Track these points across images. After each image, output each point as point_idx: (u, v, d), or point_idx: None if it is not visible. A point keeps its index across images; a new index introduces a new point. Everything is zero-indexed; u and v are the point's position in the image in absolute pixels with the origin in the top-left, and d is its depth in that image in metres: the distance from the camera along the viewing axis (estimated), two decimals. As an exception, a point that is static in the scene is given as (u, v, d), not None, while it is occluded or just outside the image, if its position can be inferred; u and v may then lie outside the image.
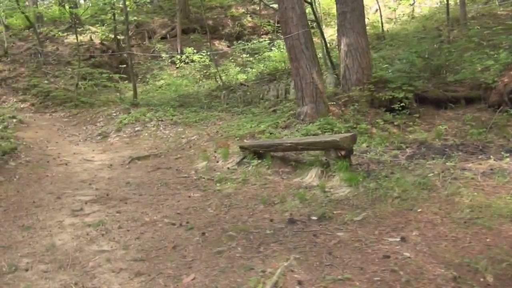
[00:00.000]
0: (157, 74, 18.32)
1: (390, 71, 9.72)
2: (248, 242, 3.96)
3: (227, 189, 5.74)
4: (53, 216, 5.02)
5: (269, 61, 17.10)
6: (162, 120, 11.37)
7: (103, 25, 19.40)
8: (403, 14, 18.52)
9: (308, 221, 4.30)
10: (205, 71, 17.64)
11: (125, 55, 18.42)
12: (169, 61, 18.51)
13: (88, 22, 19.89)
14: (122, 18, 18.06)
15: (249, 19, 22.14)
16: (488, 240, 3.39)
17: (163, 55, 18.13)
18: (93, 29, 19.24)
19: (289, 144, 6.01)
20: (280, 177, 6.01)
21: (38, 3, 22.02)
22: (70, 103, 14.26)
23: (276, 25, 21.27)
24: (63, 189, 6.18)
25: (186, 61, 18.04)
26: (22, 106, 14.65)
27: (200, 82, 16.68)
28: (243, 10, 22.44)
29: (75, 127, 12.09)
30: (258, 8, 22.79)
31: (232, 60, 18.33)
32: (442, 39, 11.76)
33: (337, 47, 16.12)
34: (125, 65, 17.65)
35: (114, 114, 12.39)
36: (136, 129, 10.92)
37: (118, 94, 15.75)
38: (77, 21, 16.27)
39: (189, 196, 5.65)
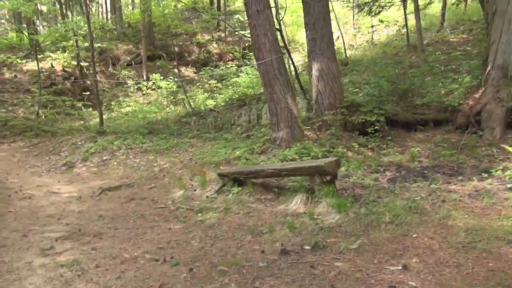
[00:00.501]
0: (122, 101, 17.83)
1: (360, 95, 9.85)
2: (241, 276, 3.69)
3: (209, 220, 5.45)
4: (21, 257, 4.54)
5: (236, 87, 17.10)
6: (131, 148, 10.94)
7: (65, 52, 18.81)
8: (363, 41, 19.18)
9: (301, 251, 4.09)
10: (172, 98, 17.36)
11: (88, 81, 17.88)
12: (135, 87, 18.11)
13: (48, 49, 19.22)
14: (85, 44, 17.63)
15: (215, 45, 22.19)
16: (490, 264, 3.31)
17: (129, 82, 17.71)
18: (53, 55, 18.59)
19: (271, 170, 5.84)
20: (264, 204, 5.79)
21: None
22: (30, 132, 13.51)
23: (242, 51, 21.52)
24: (29, 226, 5.67)
25: (153, 87, 17.72)
26: (-23, 136, 13.76)
27: (168, 108, 16.35)
28: (208, 37, 22.50)
29: (37, 157, 11.40)
30: (223, 35, 22.93)
31: (200, 86, 18.19)
32: (403, 65, 12.15)
33: (304, 72, 16.44)
34: (88, 92, 17.12)
35: (79, 143, 11.81)
36: (104, 158, 10.42)
37: (82, 122, 15.15)
38: (37, 48, 15.63)
39: (170, 229, 5.31)
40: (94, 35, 14.42)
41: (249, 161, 8.30)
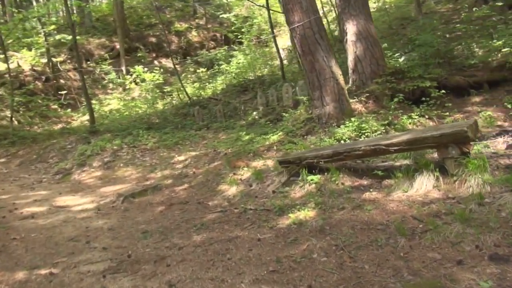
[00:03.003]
0: (104, 99, 15.73)
1: (401, 60, 8.48)
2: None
3: (309, 221, 3.86)
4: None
5: (228, 73, 15.42)
6: (135, 147, 9.12)
7: (31, 50, 16.40)
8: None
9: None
10: (158, 91, 15.40)
11: (62, 80, 15.66)
12: (117, 83, 16.02)
13: (11, 48, 16.72)
14: (52, 39, 15.35)
15: (195, 33, 20.31)
16: None
17: (111, 76, 15.61)
18: (18, 55, 16.15)
19: (372, 147, 4.31)
20: (368, 193, 4.26)
21: None
22: (6, 141, 11.30)
23: (225, 36, 19.75)
24: (51, 257, 3.88)
25: (136, 81, 15.72)
26: None
27: (155, 102, 14.39)
28: (187, 25, 20.55)
29: (20, 167, 9.34)
30: (202, 23, 21.07)
31: (189, 76, 16.36)
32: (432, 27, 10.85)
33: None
34: (64, 92, 14.92)
35: (69, 146, 9.83)
36: (106, 160, 8.54)
37: (60, 125, 13.01)
38: (2, 45, 13.29)
39: (259, 240, 3.69)
40: (73, 21, 12.28)
41: (297, 145, 6.76)
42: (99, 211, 5.48)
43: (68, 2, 11.22)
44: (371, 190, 4.29)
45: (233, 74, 15.16)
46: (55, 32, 15.93)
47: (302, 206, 4.27)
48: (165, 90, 15.45)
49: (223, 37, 20.05)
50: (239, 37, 17.14)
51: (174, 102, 13.69)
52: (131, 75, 15.45)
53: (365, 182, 4.57)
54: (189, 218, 4.69)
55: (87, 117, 13.76)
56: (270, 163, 6.22)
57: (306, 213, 4.05)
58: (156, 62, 18.65)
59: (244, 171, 6.07)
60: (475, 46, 9.16)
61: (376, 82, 7.69)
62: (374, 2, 17.88)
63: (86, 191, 6.88)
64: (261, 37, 18.57)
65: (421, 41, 8.33)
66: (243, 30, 17.14)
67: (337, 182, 4.65)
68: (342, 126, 6.69)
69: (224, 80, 15.04)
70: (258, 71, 13.87)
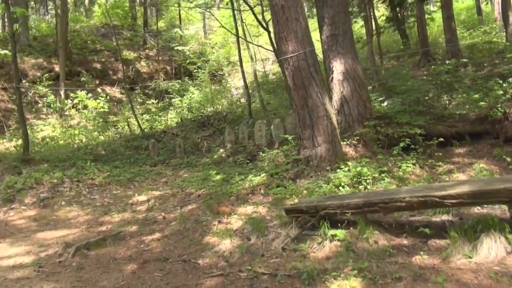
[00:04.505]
0: (36, 125, 13.60)
1: (384, 104, 8.02)
2: None
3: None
4: None
5: (182, 107, 14.28)
6: (79, 181, 7.51)
7: None
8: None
9: None
10: (101, 120, 13.69)
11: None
12: (54, 108, 14.05)
13: None
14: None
15: (144, 64, 18.99)
16: None
17: (49, 99, 13.65)
18: None
19: (422, 198, 3.43)
20: (418, 256, 3.33)
21: None
22: None
23: (175, 70, 18.68)
24: None
25: (77, 107, 13.91)
26: None
27: (102, 131, 12.69)
28: (135, 54, 19.21)
29: None
30: (151, 54, 19.87)
31: (137, 107, 14.88)
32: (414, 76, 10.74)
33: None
34: (-11, 112, 12.68)
35: (-7, 177, 7.90)
36: (43, 196, 6.84)
37: (-16, 149, 10.81)
38: None
39: (301, 326, 2.56)
40: (16, 30, 10.48)
41: (287, 189, 5.76)
42: (41, 269, 3.94)
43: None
44: (421, 253, 3.37)
45: (187, 108, 14.06)
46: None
47: (337, 272, 3.21)
48: (109, 120, 13.83)
49: (173, 70, 18.98)
50: (194, 71, 16.21)
51: (123, 132, 12.11)
52: (72, 100, 13.63)
53: (405, 241, 3.65)
54: (178, 284, 3.40)
55: (14, 143, 11.68)
56: (262, 209, 5.13)
57: (352, 284, 3.00)
58: (99, 89, 16.92)
59: (231, 219, 4.90)
60: (445, 98, 9.08)
61: (365, 126, 7.07)
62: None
63: (16, 237, 5.19)
64: (217, 72, 17.83)
65: (408, 87, 7.93)
66: (198, 64, 16.27)
67: (369, 240, 3.69)
68: (338, 171, 5.85)
69: (178, 113, 13.83)
70: (216, 107, 12.88)
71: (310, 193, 5.44)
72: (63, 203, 6.56)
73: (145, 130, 11.72)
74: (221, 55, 19.07)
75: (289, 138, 7.20)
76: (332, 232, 3.86)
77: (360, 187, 5.55)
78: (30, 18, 21.41)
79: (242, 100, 15.12)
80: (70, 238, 4.88)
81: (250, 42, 13.50)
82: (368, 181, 5.56)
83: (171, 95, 15.23)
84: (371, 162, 6.15)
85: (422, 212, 4.12)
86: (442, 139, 7.24)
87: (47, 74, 15.76)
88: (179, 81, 15.68)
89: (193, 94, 14.91)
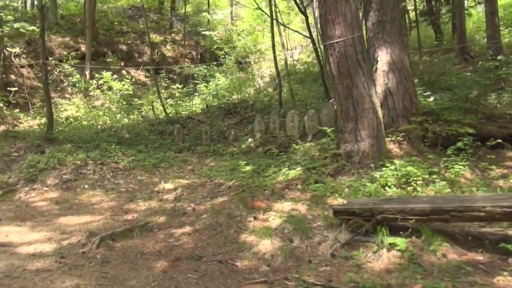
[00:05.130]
0: (60, 103, 13.37)
1: (431, 99, 7.40)
2: None
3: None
4: None
5: (208, 94, 13.84)
6: (103, 164, 7.15)
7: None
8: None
9: None
10: (124, 103, 13.35)
11: (12, 76, 13.22)
12: (80, 88, 13.78)
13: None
14: (9, 28, 12.97)
15: (169, 48, 18.59)
16: None
17: (74, 79, 13.38)
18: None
19: (505, 209, 2.90)
20: (501, 277, 2.81)
21: None
22: None
23: (200, 56, 18.23)
24: None
25: (102, 88, 13.60)
26: None
27: (127, 114, 12.34)
28: (161, 38, 18.81)
29: None
30: (177, 38, 19.45)
31: (162, 91, 14.48)
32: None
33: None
34: (15, 88, 12.48)
35: (16, 154, 7.62)
36: (66, 177, 6.50)
37: (9, 126, 10.58)
38: None
39: None
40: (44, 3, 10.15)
41: (326, 185, 5.26)
42: (63, 260, 3.55)
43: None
44: (504, 273, 2.84)
45: (212, 95, 13.61)
46: (14, 19, 13.53)
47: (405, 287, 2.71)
48: (134, 103, 13.50)
49: (199, 56, 18.53)
50: (221, 57, 15.72)
51: (147, 116, 11.75)
52: (97, 80, 13.31)
53: (480, 257, 3.12)
54: (217, 289, 2.96)
55: (37, 121, 11.47)
56: (301, 207, 4.64)
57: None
58: (124, 72, 16.60)
59: (268, 216, 4.44)
60: (493, 96, 8.40)
61: (411, 121, 6.48)
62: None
63: (37, 221, 4.85)
64: (244, 59, 17.33)
65: (457, 82, 7.28)
66: (225, 50, 15.77)
67: (436, 252, 3.17)
68: (384, 169, 5.31)
69: (203, 100, 13.41)
70: (243, 94, 12.39)
71: (354, 192, 4.93)
72: (86, 186, 6.20)
73: (170, 115, 11.31)
74: (248, 42, 18.52)
75: (328, 130, 6.65)
76: (390, 240, 3.36)
77: (409, 188, 5.01)
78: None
79: (269, 89, 14.60)
80: (93, 226, 4.49)
81: (285, 26, 12.88)
82: (418, 182, 5.01)
83: (197, 81, 14.81)
84: (419, 161, 5.58)
85: (494, 223, 3.57)
86: (488, 139, 6.59)
87: (73, 53, 15.50)
88: (206, 66, 15.18)
89: (219, 80, 14.45)
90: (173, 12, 20.38)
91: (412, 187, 5.02)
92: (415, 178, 5.04)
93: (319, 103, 9.64)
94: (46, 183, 6.33)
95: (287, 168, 6.14)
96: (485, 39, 13.53)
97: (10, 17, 13.02)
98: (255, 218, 4.43)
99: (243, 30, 20.20)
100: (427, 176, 5.16)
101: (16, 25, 12.34)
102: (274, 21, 10.98)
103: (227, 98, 12.51)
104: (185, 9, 19.20)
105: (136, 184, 6.26)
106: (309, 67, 15.39)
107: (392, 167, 5.32)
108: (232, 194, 5.33)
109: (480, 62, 9.77)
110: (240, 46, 17.23)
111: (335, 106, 7.80)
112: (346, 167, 5.68)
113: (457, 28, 13.53)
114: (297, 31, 12.66)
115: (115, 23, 19.15)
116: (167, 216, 4.74)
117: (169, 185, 6.08)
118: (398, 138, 6.16)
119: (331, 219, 3.90)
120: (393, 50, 6.76)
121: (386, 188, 5.05)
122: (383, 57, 6.80)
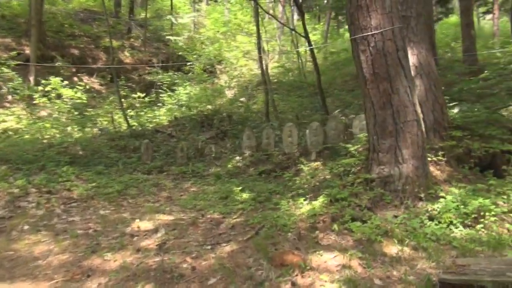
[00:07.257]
0: (-5, 113, 11.04)
1: (455, 111, 6.25)
2: None
3: None
4: None
5: (174, 103, 12.12)
6: (51, 193, 5.27)
7: None
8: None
9: None
10: (76, 113, 11.26)
11: None
12: (20, 95, 11.52)
13: None
14: None
15: (127, 54, 16.63)
16: None
17: (15, 84, 11.12)
18: None
19: None
20: None
21: None
22: None
23: (162, 63, 16.42)
24: None
25: (49, 96, 11.43)
26: None
27: (70, 127, 10.25)
28: (118, 43, 16.80)
29: None
30: (136, 44, 17.52)
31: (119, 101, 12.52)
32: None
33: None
34: None
35: None
36: (-4, 214, 4.56)
37: None
38: None
39: None
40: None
41: (368, 224, 3.81)
42: None
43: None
44: None
45: (179, 105, 11.90)
46: None
47: None
48: (87, 114, 11.46)
49: (161, 63, 16.71)
50: (188, 65, 14.07)
51: (106, 129, 9.80)
52: (44, 87, 11.15)
53: None
54: None
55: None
56: (353, 262, 3.15)
57: None
58: (75, 78, 14.42)
59: (310, 279, 2.90)
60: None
61: (444, 137, 5.25)
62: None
63: None
64: (209, 69, 15.76)
65: (482, 90, 6.21)
66: (194, 56, 14.16)
67: None
68: (440, 200, 3.97)
69: (169, 110, 11.65)
70: (215, 105, 10.81)
71: (414, 235, 3.52)
72: (26, 227, 4.31)
73: (133, 127, 9.47)
74: (212, 52, 16.95)
75: (352, 148, 5.24)
76: None
77: (478, 226, 3.71)
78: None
79: (242, 99, 13.12)
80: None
81: (271, 15, 11.45)
82: (491, 219, 3.71)
83: (160, 90, 13.04)
84: (484, 190, 4.30)
85: None
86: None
87: (14, 53, 13.13)
88: (174, 73, 13.45)
89: (185, 89, 12.78)
90: (131, 16, 18.43)
91: (481, 225, 3.72)
92: (487, 213, 3.74)
93: (311, 115, 8.28)
94: (-34, 224, 4.36)
95: (303, 198, 4.64)
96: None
97: None
98: (293, 284, 2.88)
99: (207, 38, 18.67)
100: (499, 210, 3.87)
101: None
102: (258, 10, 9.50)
103: (198, 109, 10.87)
104: (146, 13, 17.36)
105: (98, 222, 4.46)
106: (287, 74, 14.13)
107: (450, 198, 4.00)
108: (243, 240, 3.73)
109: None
110: (205, 55, 15.66)
111: (350, 117, 6.44)
112: (385, 196, 4.28)
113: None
114: (294, 30, 11.29)
115: (66, 25, 16.89)
116: (154, 283, 3.04)
117: (146, 224, 4.35)
118: (439, 157, 4.89)
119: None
120: (420, 51, 5.56)
121: (451, 227, 3.71)
122: (409, 59, 5.56)
